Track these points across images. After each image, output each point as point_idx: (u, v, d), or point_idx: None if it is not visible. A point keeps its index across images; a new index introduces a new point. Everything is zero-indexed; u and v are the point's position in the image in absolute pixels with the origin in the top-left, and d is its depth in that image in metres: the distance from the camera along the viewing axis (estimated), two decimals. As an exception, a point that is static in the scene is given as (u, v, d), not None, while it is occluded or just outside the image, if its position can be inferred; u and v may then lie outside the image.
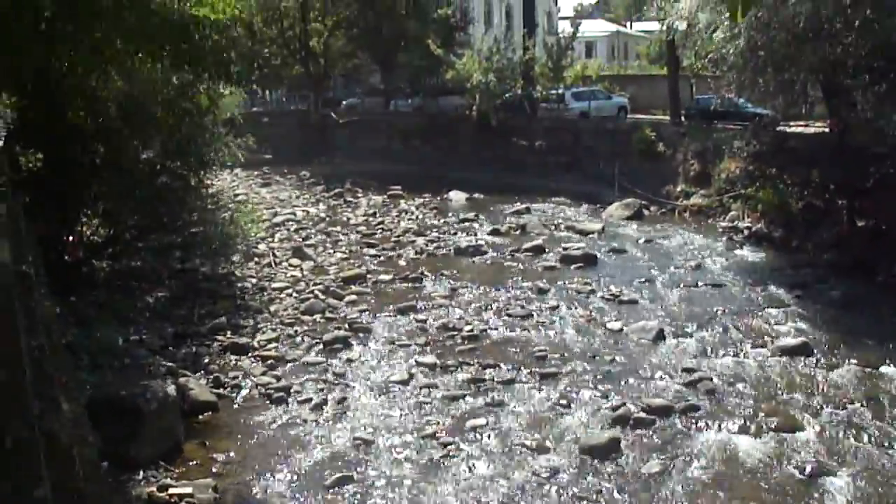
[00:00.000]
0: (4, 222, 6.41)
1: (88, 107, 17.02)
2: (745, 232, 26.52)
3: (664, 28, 30.84)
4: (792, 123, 30.31)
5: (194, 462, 11.57)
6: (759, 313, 18.36)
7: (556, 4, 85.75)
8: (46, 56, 11.33)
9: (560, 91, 41.85)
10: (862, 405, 13.24)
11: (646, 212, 30.82)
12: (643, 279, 21.34)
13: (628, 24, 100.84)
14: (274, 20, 56.07)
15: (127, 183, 17.80)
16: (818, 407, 13.24)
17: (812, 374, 14.73)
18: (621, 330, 17.18)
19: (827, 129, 26.65)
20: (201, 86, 18.24)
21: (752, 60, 23.80)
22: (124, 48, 12.54)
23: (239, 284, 20.67)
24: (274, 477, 11.17)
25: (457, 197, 35.31)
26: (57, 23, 10.56)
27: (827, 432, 12.35)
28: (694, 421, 12.76)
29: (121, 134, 17.76)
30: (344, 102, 56.68)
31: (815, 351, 15.71)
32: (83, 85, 16.18)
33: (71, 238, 18.35)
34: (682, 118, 37.63)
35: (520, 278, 21.52)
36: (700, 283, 20.89)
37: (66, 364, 9.14)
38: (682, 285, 20.75)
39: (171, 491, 10.54)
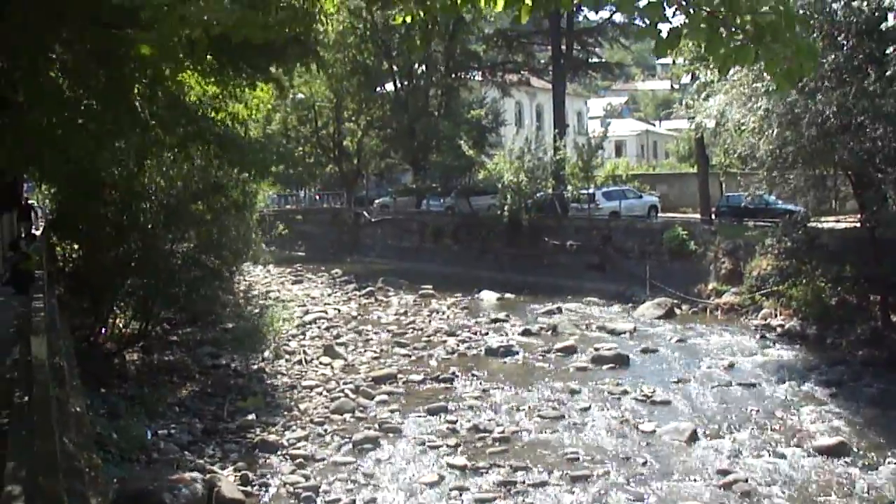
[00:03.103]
0: (43, 318, 6.58)
1: (125, 201, 17.46)
2: (778, 329, 26.26)
3: (693, 126, 31.20)
4: (823, 219, 30.26)
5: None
6: (794, 412, 18.05)
7: (587, 105, 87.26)
8: (90, 151, 11.70)
9: (591, 190, 42.20)
10: (903, 508, 12.88)
11: (677, 311, 30.66)
12: (676, 379, 21.11)
13: (657, 123, 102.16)
14: (308, 119, 57.50)
15: (160, 276, 18.11)
16: (859, 511, 12.90)
17: (849, 474, 14.37)
18: (654, 431, 16.93)
19: (858, 224, 26.60)
20: (236, 183, 18.77)
21: (781, 157, 23.93)
22: (169, 146, 12.96)
23: (269, 381, 20.70)
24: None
25: (488, 297, 35.37)
26: (105, 121, 10.96)
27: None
28: (730, 525, 12.46)
29: (156, 228, 18.16)
30: (376, 201, 57.47)
31: (853, 450, 15.37)
32: (121, 179, 16.63)
33: (103, 330, 18.60)
34: (713, 216, 37.73)
35: (551, 379, 21.36)
36: (733, 383, 20.61)
37: (95, 458, 9.21)
38: (715, 385, 20.49)
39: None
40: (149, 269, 18.15)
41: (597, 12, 52.13)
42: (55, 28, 9.94)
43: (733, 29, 4.55)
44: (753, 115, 23.47)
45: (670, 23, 4.73)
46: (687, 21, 4.71)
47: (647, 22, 4.69)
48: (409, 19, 6.40)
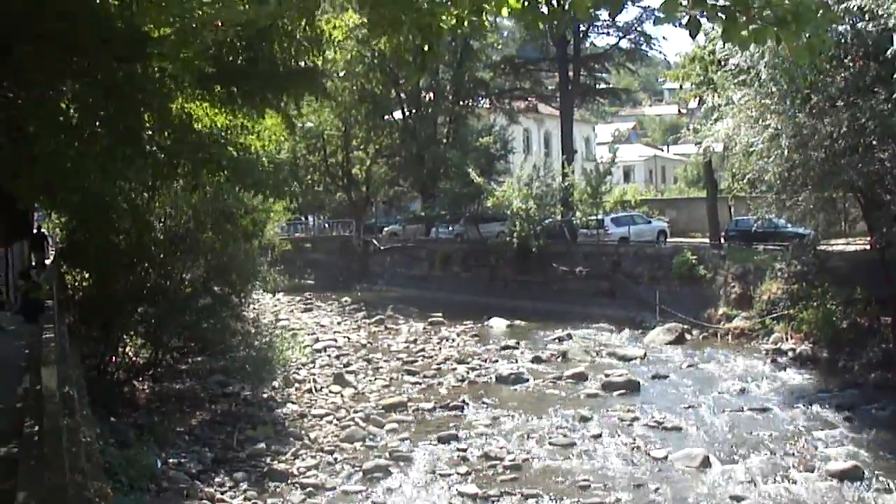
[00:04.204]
0: (53, 347, 6.63)
1: (136, 230, 17.56)
2: (790, 353, 26.13)
3: (701, 151, 31.24)
4: (833, 242, 30.20)
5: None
6: (807, 437, 17.93)
7: (594, 130, 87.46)
8: (100, 180, 11.79)
9: (600, 216, 42.19)
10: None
11: (688, 336, 30.55)
12: (687, 405, 21.01)
13: (665, 148, 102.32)
14: (317, 148, 57.71)
15: (170, 305, 18.17)
16: (874, 537, 12.78)
17: (864, 498, 14.26)
18: (666, 458, 16.83)
19: (868, 246, 26.52)
20: (245, 211, 18.88)
21: (790, 179, 23.89)
22: (179, 175, 13.05)
23: (279, 410, 20.68)
24: None
25: (497, 324, 35.32)
26: (114, 151, 11.06)
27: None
28: (744, 552, 12.35)
29: (166, 256, 18.24)
30: (385, 229, 57.58)
31: (867, 474, 15.24)
32: (132, 208, 16.73)
33: (114, 359, 18.64)
34: (722, 240, 37.67)
35: (562, 406, 21.28)
36: (745, 408, 20.50)
37: (105, 488, 9.21)
38: (726, 410, 20.37)
39: None
40: (159, 298, 18.23)
41: (616, 16, 52.13)
42: (67, 60, 10.06)
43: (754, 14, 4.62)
44: (761, 136, 23.47)
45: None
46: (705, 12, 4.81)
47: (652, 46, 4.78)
48: (394, 42, 6.51)
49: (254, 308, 23.84)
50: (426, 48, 7.51)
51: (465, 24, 6.83)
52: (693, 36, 5.25)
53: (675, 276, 34.43)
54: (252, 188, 14.06)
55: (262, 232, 21.41)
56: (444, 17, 6.91)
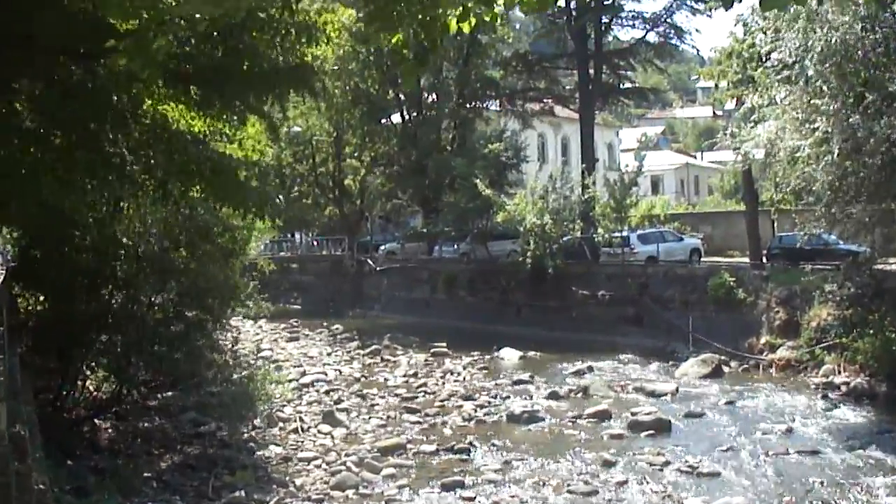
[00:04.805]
0: (2, 380, 6.59)
1: (99, 247, 17.52)
2: (843, 388, 26.00)
3: (740, 157, 31.21)
4: (891, 260, 30.11)
5: None
6: (864, 483, 17.78)
7: (618, 136, 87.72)
8: (58, 191, 11.78)
9: (624, 233, 42.16)
10: None
11: (726, 368, 30.43)
12: (725, 447, 20.87)
13: (699, 154, 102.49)
14: (305, 156, 57.88)
15: (138, 332, 18.12)
16: None
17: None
18: (701, 507, 16.75)
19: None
20: (224, 228, 18.87)
21: (841, 189, 23.81)
22: (149, 187, 13.03)
23: (261, 453, 20.58)
24: None
25: (509, 355, 35.23)
26: (75, 159, 11.06)
27: None
28: None
29: (134, 278, 18.21)
30: (382, 248, 57.69)
31: (934, 529, 15.14)
32: (95, 223, 16.70)
33: (72, 394, 18.57)
34: (764, 259, 37.61)
35: (582, 449, 21.17)
36: (792, 450, 20.36)
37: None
38: (771, 453, 20.24)
39: None
40: (125, 325, 18.19)
41: None
42: (20, 57, 10.07)
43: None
44: (808, 141, 23.41)
45: None
46: None
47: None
48: (393, 40, 6.52)
49: (233, 336, 23.77)
50: (429, 45, 7.51)
51: (473, 18, 6.82)
52: (727, 6, 5.22)
53: (711, 301, 34.37)
54: (232, 205, 14.00)
55: (243, 251, 21.40)
56: (449, 11, 6.90)
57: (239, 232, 19.96)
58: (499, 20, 7.00)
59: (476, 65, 53.43)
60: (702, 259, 43.34)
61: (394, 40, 7.04)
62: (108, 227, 17.45)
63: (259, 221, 18.82)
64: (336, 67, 43.48)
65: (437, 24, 7.00)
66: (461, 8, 6.78)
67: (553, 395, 27.35)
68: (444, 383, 29.89)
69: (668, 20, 52.12)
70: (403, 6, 7.10)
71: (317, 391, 28.27)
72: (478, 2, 6.69)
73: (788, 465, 19.43)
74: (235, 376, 21.38)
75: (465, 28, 6.58)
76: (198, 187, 13.10)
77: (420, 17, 7.06)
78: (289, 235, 65.72)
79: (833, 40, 22.04)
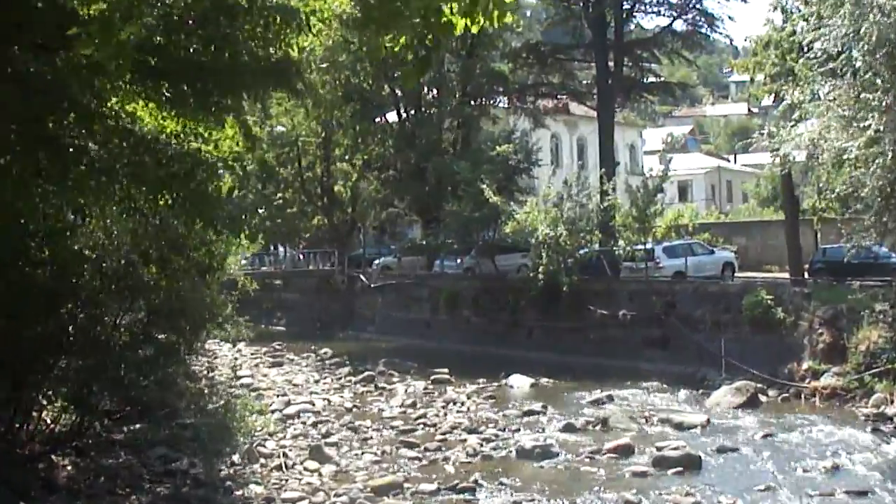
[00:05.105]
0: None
1: (59, 261, 17.48)
2: (896, 420, 26.04)
3: (778, 160, 31.20)
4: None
5: None
6: (920, 531, 17.79)
7: (641, 136, 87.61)
8: (11, 195, 11.77)
9: (648, 245, 42.10)
10: None
11: (763, 397, 30.40)
12: (762, 487, 20.84)
13: (732, 157, 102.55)
14: (290, 159, 57.85)
15: (102, 357, 18.07)
16: None
17: None
18: (736, 554, 16.73)
19: None
20: (201, 241, 18.86)
21: (893, 195, 23.75)
22: (114, 194, 13.00)
23: (240, 492, 20.54)
24: None
25: (519, 382, 35.20)
26: (28, 162, 11.06)
27: None
28: None
29: (98, 295, 18.18)
30: (376, 262, 57.64)
31: None
32: (54, 235, 16.68)
33: (27, 426, 18.51)
34: (806, 275, 37.57)
35: (601, 488, 21.14)
36: (839, 490, 20.31)
37: None
38: (814, 494, 20.20)
39: None
40: (87, 348, 18.15)
41: None
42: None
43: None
44: (857, 141, 23.35)
45: None
46: None
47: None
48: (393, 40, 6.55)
49: (208, 362, 23.79)
50: (431, 46, 7.52)
51: (480, 17, 6.83)
52: None
53: (746, 321, 34.35)
54: (204, 220, 13.96)
55: (221, 266, 21.41)
56: (452, 6, 6.90)
57: (216, 246, 19.96)
58: (509, 17, 6.98)
59: (482, 57, 53.47)
60: (735, 274, 43.34)
61: (397, 41, 7.05)
62: (69, 239, 17.43)
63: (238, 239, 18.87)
64: (325, 63, 43.56)
65: (442, 22, 7.01)
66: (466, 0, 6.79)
67: (568, 428, 27.32)
68: (445, 414, 29.85)
69: (698, 6, 52.10)
70: (404, 4, 7.13)
71: (303, 423, 28.23)
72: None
73: (834, 507, 19.41)
74: (211, 406, 21.34)
75: (474, 28, 6.60)
76: (167, 197, 13.07)
77: (422, 12, 7.07)
78: (272, 248, 65.70)
79: (885, 27, 22.02)
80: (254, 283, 26.22)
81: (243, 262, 25.17)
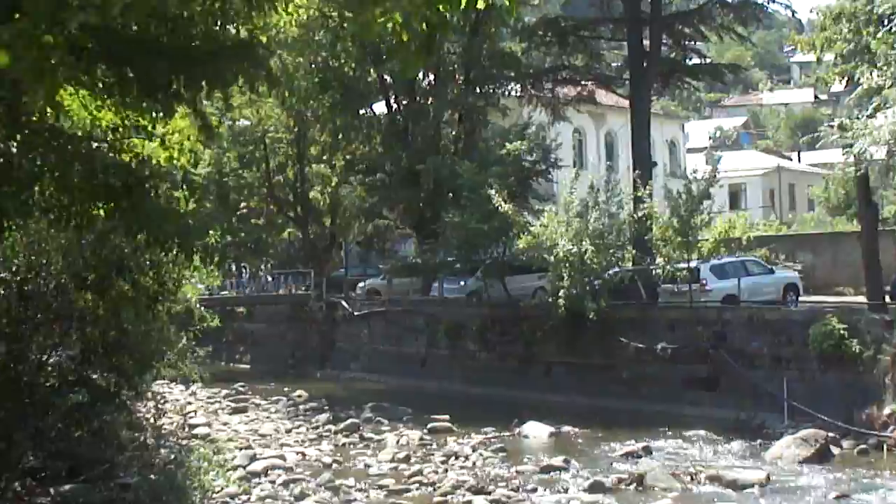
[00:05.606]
0: None
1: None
2: None
3: (851, 159, 31.20)
4: None
5: None
6: None
7: (683, 131, 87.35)
8: None
9: (692, 263, 42.06)
10: None
11: (835, 449, 30.35)
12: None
13: (795, 155, 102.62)
14: (255, 159, 57.77)
15: (22, 403, 18.05)
16: None
17: None
18: None
19: None
20: (147, 263, 18.84)
21: None
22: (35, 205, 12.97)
23: (193, 569, 20.56)
24: None
25: (535, 431, 35.18)
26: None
27: None
28: None
29: (18, 327, 18.16)
30: (361, 284, 57.65)
31: None
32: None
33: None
34: (888, 298, 37.54)
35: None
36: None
37: None
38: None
39: None
40: (5, 392, 18.15)
41: None
42: None
43: None
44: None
45: None
46: None
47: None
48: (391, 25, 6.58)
49: (156, 408, 23.77)
50: (433, 26, 7.50)
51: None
52: None
53: (814, 356, 34.32)
54: (149, 235, 13.89)
55: (173, 293, 21.40)
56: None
57: (167, 267, 19.94)
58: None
59: (489, 34, 53.37)
60: (800, 298, 43.28)
61: (389, 17, 7.08)
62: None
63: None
64: (298, 43, 43.51)
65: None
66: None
67: (596, 487, 27.30)
68: (446, 471, 29.83)
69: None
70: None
71: (271, 482, 28.19)
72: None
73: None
74: (158, 462, 21.33)
75: (480, 1, 6.61)
76: (103, 209, 13.03)
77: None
78: (233, 269, 65.65)
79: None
80: (215, 318, 26.24)
81: (200, 286, 25.06)
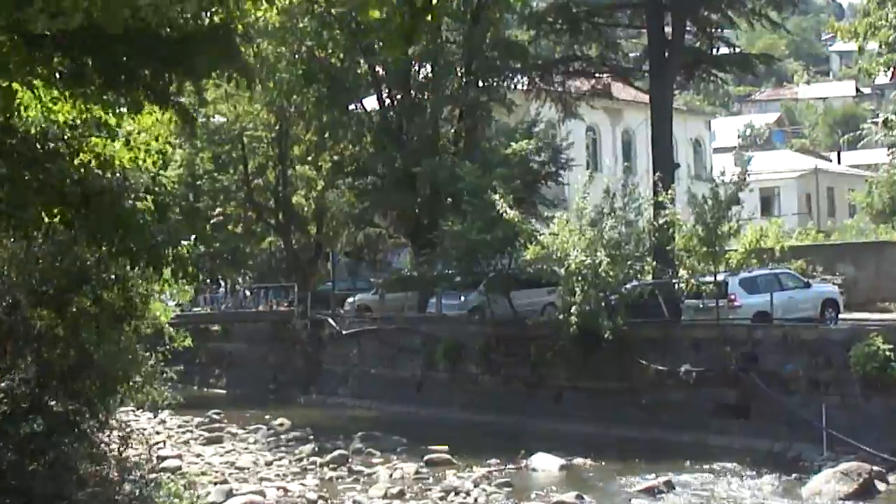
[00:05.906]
0: None
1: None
2: None
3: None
4: None
5: None
6: None
7: (710, 128, 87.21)
8: None
9: (720, 276, 42.08)
10: None
11: (881, 484, 30.34)
12: None
13: (834, 156, 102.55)
14: (232, 160, 57.75)
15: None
16: None
17: None
18: None
19: None
20: (114, 277, 18.86)
21: None
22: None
23: None
24: None
25: (545, 464, 35.18)
26: None
27: None
28: None
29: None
30: (350, 300, 57.66)
31: None
32: None
33: None
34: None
35: None
36: None
37: None
38: None
39: None
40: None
41: None
42: None
43: None
44: None
45: None
46: None
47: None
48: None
49: (120, 437, 23.75)
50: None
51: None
52: None
53: (856, 380, 34.32)
54: (110, 245, 13.89)
55: (141, 310, 21.41)
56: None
57: (134, 281, 19.96)
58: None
59: (493, 21, 53.41)
60: (840, 315, 43.26)
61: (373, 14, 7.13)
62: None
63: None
64: (279, 30, 43.51)
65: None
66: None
67: (613, 526, 27.36)
68: (445, 509, 29.90)
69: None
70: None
71: (250, 522, 28.25)
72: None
73: None
74: (123, 498, 21.33)
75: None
76: (59, 217, 13.03)
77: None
78: (207, 282, 65.68)
79: None
80: (187, 337, 26.26)
81: (171, 303, 25.03)
